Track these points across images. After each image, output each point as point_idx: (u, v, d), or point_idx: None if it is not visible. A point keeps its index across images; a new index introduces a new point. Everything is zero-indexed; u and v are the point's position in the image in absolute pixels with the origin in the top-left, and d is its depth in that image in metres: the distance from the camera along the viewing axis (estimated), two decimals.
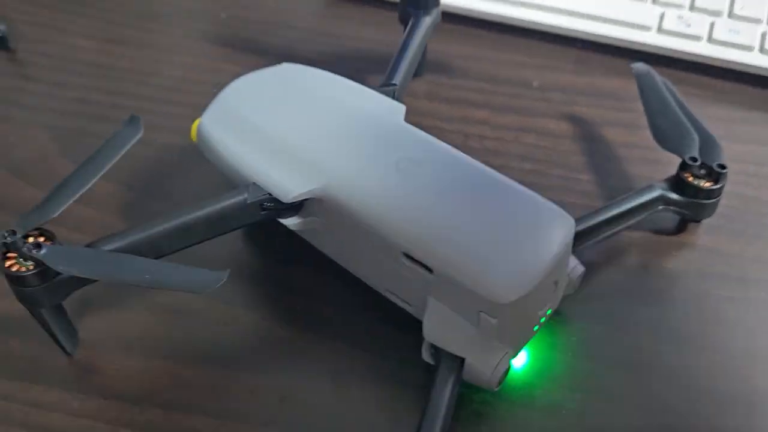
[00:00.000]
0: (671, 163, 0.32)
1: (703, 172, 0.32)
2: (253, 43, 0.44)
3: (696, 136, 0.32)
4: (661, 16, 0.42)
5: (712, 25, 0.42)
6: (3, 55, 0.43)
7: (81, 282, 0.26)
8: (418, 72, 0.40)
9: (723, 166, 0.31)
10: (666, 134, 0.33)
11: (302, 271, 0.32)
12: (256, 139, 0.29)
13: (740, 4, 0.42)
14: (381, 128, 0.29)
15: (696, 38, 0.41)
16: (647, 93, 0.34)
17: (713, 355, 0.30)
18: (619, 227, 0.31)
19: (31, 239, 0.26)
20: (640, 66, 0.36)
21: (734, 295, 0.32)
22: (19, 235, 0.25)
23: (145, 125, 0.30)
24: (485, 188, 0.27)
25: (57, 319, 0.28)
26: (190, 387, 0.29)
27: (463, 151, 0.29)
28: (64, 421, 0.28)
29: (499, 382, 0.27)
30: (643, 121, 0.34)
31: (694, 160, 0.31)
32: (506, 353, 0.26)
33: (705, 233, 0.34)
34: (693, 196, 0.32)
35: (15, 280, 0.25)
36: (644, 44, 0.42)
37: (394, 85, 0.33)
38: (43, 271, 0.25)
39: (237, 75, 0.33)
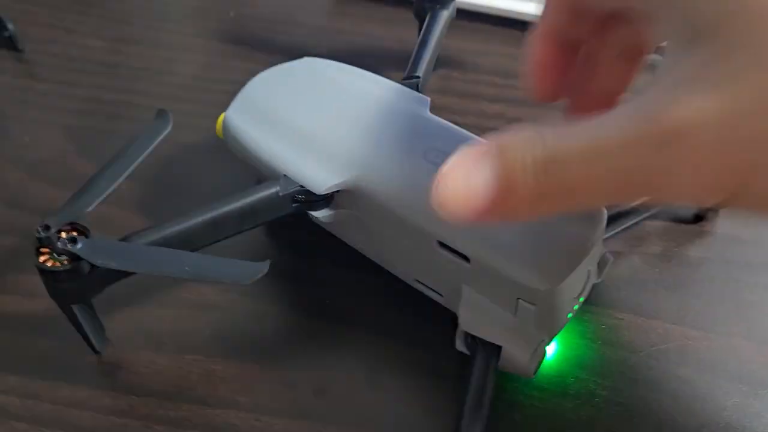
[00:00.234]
0: None
1: None
2: (263, 41, 0.44)
3: None
4: None
5: None
6: (11, 55, 0.43)
7: (116, 277, 0.26)
8: None
9: None
10: None
11: (328, 263, 0.32)
12: (284, 131, 0.29)
13: None
14: (408, 119, 0.29)
15: None
16: None
17: (741, 341, 0.30)
18: (641, 217, 0.32)
19: (64, 234, 0.26)
20: (655, 58, 0.36)
21: (759, 280, 0.32)
22: (53, 230, 0.25)
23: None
24: None
25: (87, 316, 0.28)
26: (223, 382, 0.29)
27: None
28: (96, 419, 0.28)
29: (536, 370, 0.27)
30: None
31: None
32: (543, 340, 0.26)
33: (724, 221, 0.34)
34: None
35: (50, 275, 0.25)
36: None
37: (418, 77, 0.33)
38: (79, 266, 0.25)
39: (249, 72, 0.33)
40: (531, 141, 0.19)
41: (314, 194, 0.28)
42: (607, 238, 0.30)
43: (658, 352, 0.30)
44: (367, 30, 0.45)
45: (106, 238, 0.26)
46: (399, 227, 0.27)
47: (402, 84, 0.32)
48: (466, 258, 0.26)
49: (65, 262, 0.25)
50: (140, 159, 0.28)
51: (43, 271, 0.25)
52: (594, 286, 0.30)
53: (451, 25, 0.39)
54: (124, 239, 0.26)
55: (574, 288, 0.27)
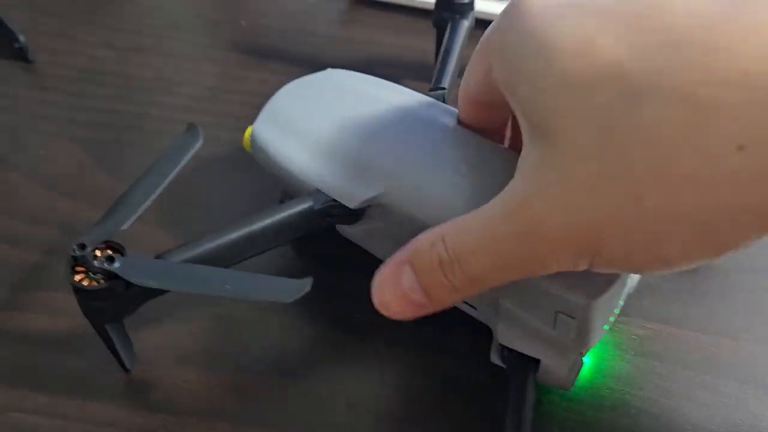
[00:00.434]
0: None
1: None
2: (277, 51, 0.44)
3: None
4: None
5: None
6: (22, 66, 0.42)
7: (152, 294, 0.26)
8: None
9: None
10: None
11: (354, 276, 0.32)
12: (314, 144, 0.29)
13: None
14: (438, 131, 0.29)
15: None
16: None
17: None
18: None
19: (99, 253, 0.25)
20: None
21: None
22: (89, 249, 0.25)
23: (176, 135, 0.30)
24: None
25: (119, 334, 0.27)
26: (255, 398, 0.28)
27: None
28: None
29: (573, 382, 0.27)
30: None
31: None
32: (580, 353, 0.26)
33: None
34: None
35: (85, 294, 0.25)
36: None
37: (444, 89, 0.33)
38: (115, 284, 0.25)
39: (264, 83, 0.33)
40: (435, 246, 0.23)
41: (348, 208, 0.27)
42: None
43: (689, 362, 0.30)
44: (381, 39, 0.45)
45: (143, 257, 0.26)
46: None
47: (428, 95, 0.32)
48: None
49: (101, 281, 0.25)
50: (172, 175, 0.28)
51: (78, 290, 0.25)
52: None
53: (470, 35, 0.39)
54: (159, 256, 0.26)
55: (612, 300, 0.27)
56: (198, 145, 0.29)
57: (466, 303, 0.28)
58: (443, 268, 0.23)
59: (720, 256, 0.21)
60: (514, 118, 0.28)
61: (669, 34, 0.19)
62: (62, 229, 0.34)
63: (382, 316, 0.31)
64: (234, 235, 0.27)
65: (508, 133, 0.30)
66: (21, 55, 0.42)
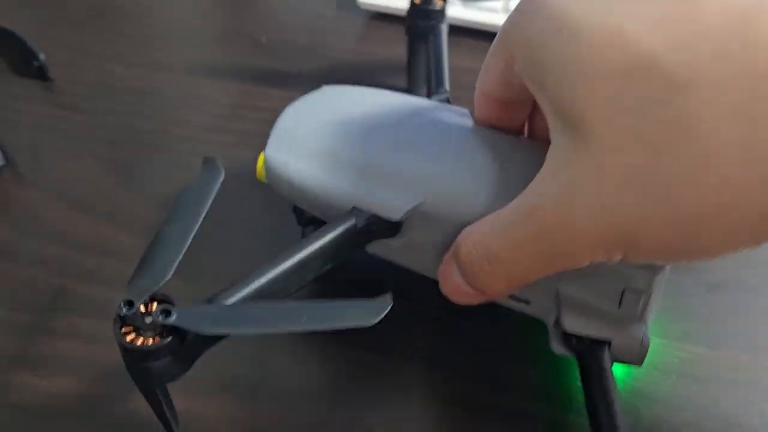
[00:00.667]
0: None
1: None
2: (297, 67, 0.44)
3: None
4: None
5: None
6: (41, 84, 0.42)
7: (210, 345, 0.24)
8: None
9: None
10: None
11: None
12: (336, 162, 0.28)
13: None
14: (459, 132, 0.28)
15: None
16: None
17: None
18: None
19: (144, 308, 0.23)
20: None
21: None
22: (137, 306, 0.22)
23: (198, 153, 0.29)
24: None
25: (166, 396, 0.25)
26: (296, 427, 0.28)
27: None
28: None
29: (644, 357, 0.27)
30: None
31: None
32: (646, 327, 0.26)
33: None
34: None
35: (141, 355, 0.22)
36: None
37: (447, 91, 0.33)
38: (174, 339, 0.22)
39: (283, 100, 0.32)
40: (467, 245, 0.24)
41: (390, 222, 0.27)
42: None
43: (731, 384, 0.29)
44: (400, 54, 0.44)
45: (200, 305, 0.24)
46: None
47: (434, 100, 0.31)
48: None
49: (156, 338, 0.22)
50: (202, 216, 0.25)
51: (132, 351, 0.22)
52: (664, 319, 0.29)
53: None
54: (211, 300, 0.24)
55: (665, 275, 0.27)
56: (220, 179, 0.27)
57: (517, 299, 0.28)
58: (479, 266, 0.24)
59: (762, 244, 0.20)
60: (533, 115, 0.28)
61: (703, 25, 0.19)
62: (84, 249, 0.33)
63: (415, 338, 0.30)
64: (284, 266, 0.25)
65: (525, 133, 0.29)
66: (40, 73, 0.41)
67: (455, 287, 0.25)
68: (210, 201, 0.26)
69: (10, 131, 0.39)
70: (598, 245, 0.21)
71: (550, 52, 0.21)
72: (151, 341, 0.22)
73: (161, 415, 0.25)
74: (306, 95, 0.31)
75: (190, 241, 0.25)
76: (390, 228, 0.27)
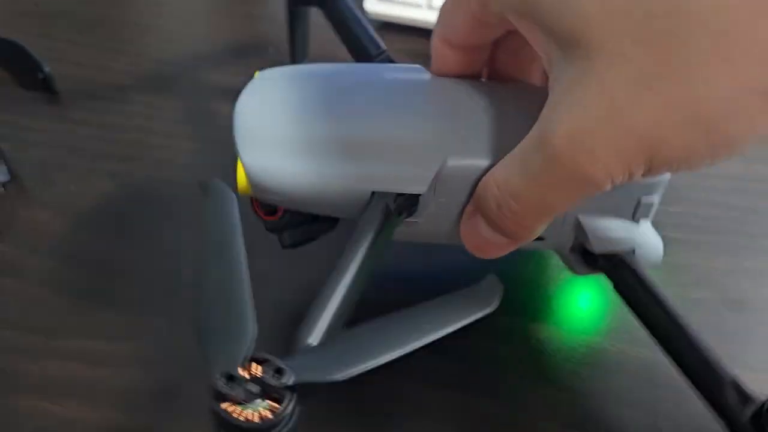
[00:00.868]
0: None
1: None
2: None
3: None
4: None
5: None
6: (47, 98, 0.41)
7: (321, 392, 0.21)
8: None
9: None
10: None
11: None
12: (332, 152, 0.25)
13: None
14: (429, 87, 0.27)
15: None
16: None
17: None
18: None
19: (246, 373, 0.19)
20: None
21: None
22: (237, 378, 0.19)
23: (210, 168, 0.29)
24: None
25: None
26: None
27: None
28: None
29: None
30: None
31: None
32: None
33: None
34: None
35: (270, 427, 0.19)
36: None
37: (385, 51, 0.33)
38: (293, 400, 0.19)
39: None
40: (488, 191, 0.24)
41: (416, 196, 0.26)
42: None
43: None
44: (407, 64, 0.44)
45: (304, 354, 0.21)
46: None
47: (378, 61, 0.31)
48: None
49: (270, 411, 0.19)
50: (243, 246, 0.22)
51: (253, 429, 0.18)
52: None
53: None
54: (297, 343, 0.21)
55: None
56: (236, 203, 0.24)
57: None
58: (507, 208, 0.23)
59: None
60: (493, 58, 0.28)
61: None
62: (94, 267, 0.33)
63: (428, 357, 0.30)
64: (348, 278, 0.23)
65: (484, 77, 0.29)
66: (46, 85, 0.41)
67: (483, 242, 0.25)
68: (240, 229, 0.23)
69: (16, 146, 0.38)
70: (618, 162, 0.20)
71: None
72: (269, 415, 0.19)
73: None
74: (246, 88, 0.28)
75: (249, 282, 0.21)
76: (415, 204, 0.26)
